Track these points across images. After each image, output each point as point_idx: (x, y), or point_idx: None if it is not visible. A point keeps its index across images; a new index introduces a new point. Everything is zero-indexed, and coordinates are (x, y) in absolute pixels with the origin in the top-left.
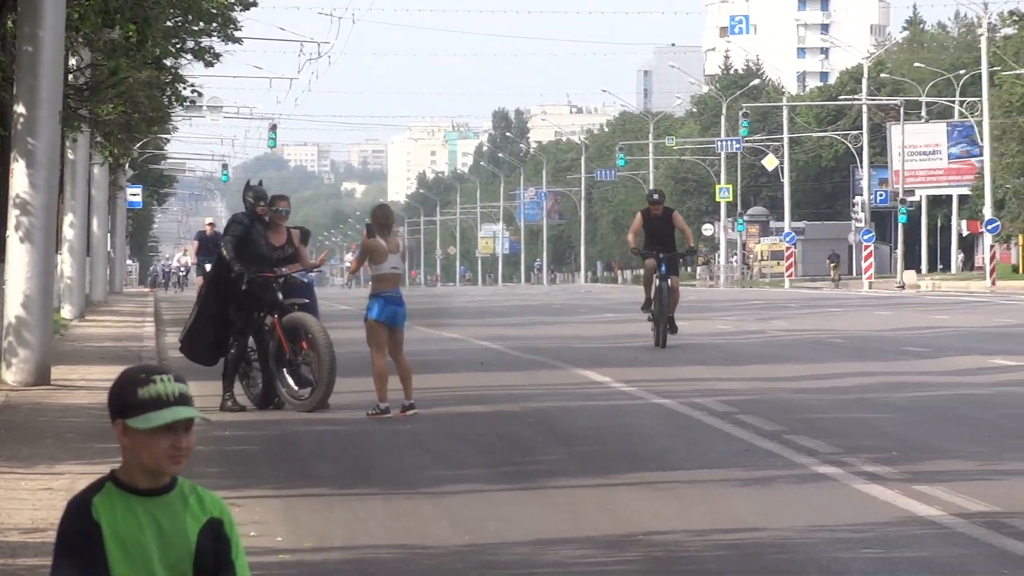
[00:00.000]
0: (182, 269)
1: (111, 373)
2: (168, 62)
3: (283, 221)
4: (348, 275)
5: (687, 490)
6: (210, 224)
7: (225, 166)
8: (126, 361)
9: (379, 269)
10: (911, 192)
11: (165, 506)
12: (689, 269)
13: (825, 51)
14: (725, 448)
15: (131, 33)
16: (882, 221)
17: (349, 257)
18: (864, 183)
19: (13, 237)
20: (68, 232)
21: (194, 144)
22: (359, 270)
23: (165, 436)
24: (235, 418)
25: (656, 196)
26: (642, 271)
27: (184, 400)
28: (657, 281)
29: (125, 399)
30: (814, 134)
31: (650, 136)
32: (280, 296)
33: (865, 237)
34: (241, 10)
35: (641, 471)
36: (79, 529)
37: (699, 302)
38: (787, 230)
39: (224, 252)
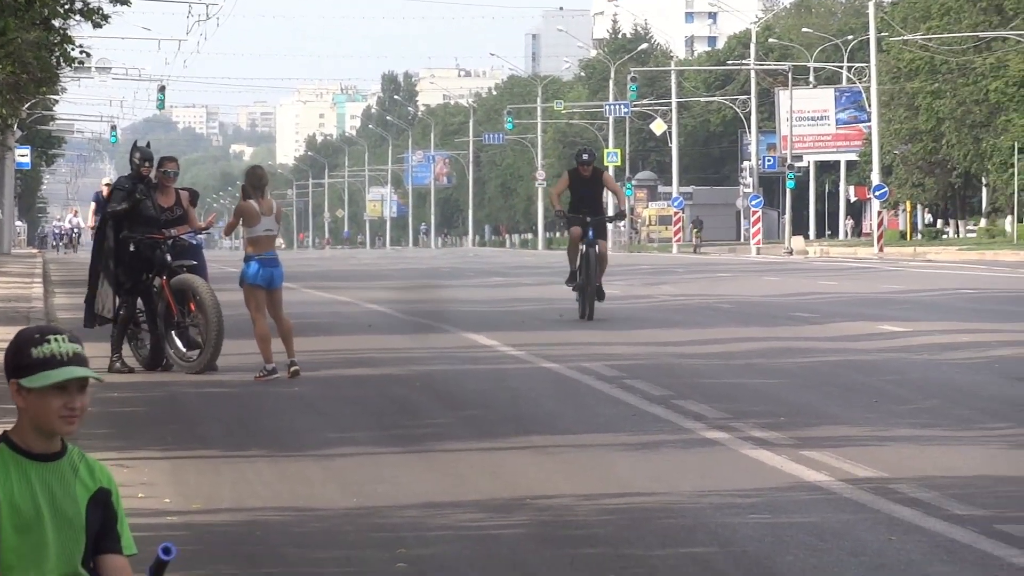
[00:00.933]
0: (75, 231)
1: (0, 334)
2: (57, 23)
3: (171, 183)
4: (224, 235)
5: (575, 454)
6: (107, 185)
7: (114, 127)
8: (14, 322)
9: (253, 232)
10: (799, 158)
11: (57, 472)
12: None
13: (713, 16)
14: (613, 412)
15: None
16: (770, 186)
17: None
18: (752, 148)
19: None
20: None
21: (83, 105)
22: (232, 232)
23: (58, 396)
24: (123, 379)
25: (586, 156)
26: (567, 240)
27: (78, 360)
28: (583, 248)
29: (19, 359)
30: (702, 99)
31: (538, 100)
32: (168, 258)
33: (753, 202)
34: None
35: (528, 435)
36: None
37: None
38: (675, 195)
39: (114, 207)
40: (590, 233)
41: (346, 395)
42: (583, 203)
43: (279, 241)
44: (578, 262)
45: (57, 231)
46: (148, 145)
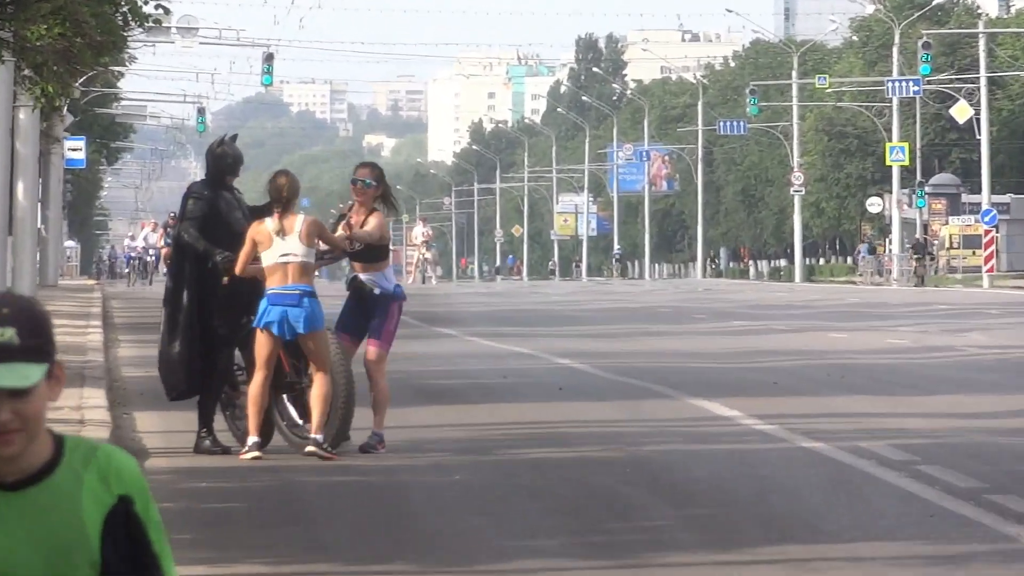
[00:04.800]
0: (150, 252)
1: None
2: None
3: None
4: (238, 271)
5: (849, 571)
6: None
7: (201, 111)
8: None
9: (266, 259)
10: None
11: (44, 497)
12: (848, 260)
13: None
14: (901, 512)
15: None
16: None
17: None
18: None
19: None
20: None
21: (159, 81)
22: (247, 263)
23: None
24: (215, 463)
25: None
26: None
27: (6, 353)
28: None
29: None
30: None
31: (794, 74)
32: None
33: None
34: None
35: (784, 543)
36: None
37: (865, 307)
38: (986, 207)
39: (185, 239)
40: None
41: (527, 486)
42: None
43: (435, 270)
44: None
45: (129, 255)
46: (235, 139)
